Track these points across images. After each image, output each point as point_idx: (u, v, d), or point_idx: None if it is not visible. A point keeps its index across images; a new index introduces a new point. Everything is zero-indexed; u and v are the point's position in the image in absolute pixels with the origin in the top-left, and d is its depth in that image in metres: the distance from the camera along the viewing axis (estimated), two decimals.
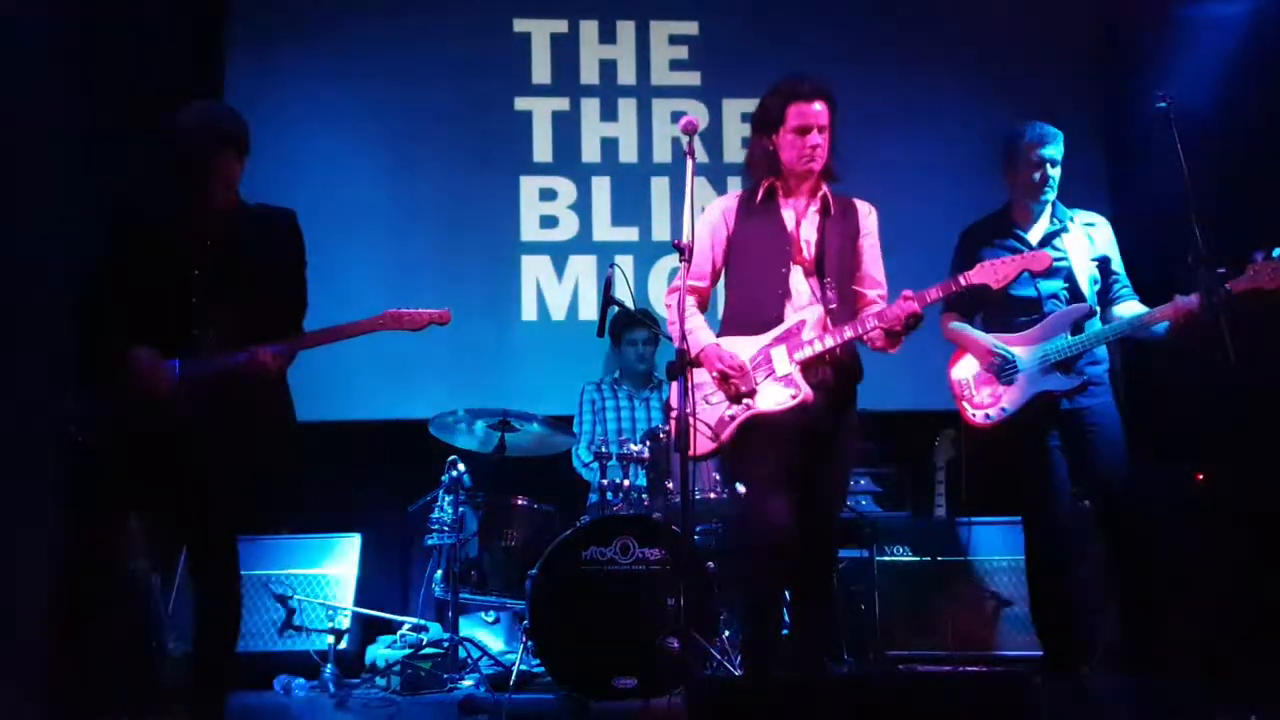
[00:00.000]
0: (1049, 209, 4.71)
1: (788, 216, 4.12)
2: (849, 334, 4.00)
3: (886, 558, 5.34)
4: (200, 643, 3.78)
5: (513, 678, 4.76)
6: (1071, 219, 4.71)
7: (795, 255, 4.06)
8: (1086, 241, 4.68)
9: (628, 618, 4.49)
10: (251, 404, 3.74)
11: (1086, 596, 4.72)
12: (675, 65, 6.67)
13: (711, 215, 4.24)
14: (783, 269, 4.01)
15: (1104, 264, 4.71)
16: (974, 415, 4.70)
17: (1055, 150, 4.66)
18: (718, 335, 4.13)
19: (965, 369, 4.76)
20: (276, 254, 3.83)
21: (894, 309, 3.95)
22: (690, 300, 4.08)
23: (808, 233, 4.10)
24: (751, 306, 4.09)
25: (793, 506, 3.93)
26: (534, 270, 6.45)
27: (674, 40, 6.66)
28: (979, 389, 4.69)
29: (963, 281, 4.04)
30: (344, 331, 3.86)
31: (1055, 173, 4.66)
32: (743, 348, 4.05)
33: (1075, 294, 4.63)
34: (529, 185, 6.52)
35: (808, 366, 4.01)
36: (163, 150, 3.73)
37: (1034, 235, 4.71)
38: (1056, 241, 4.68)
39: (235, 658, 3.87)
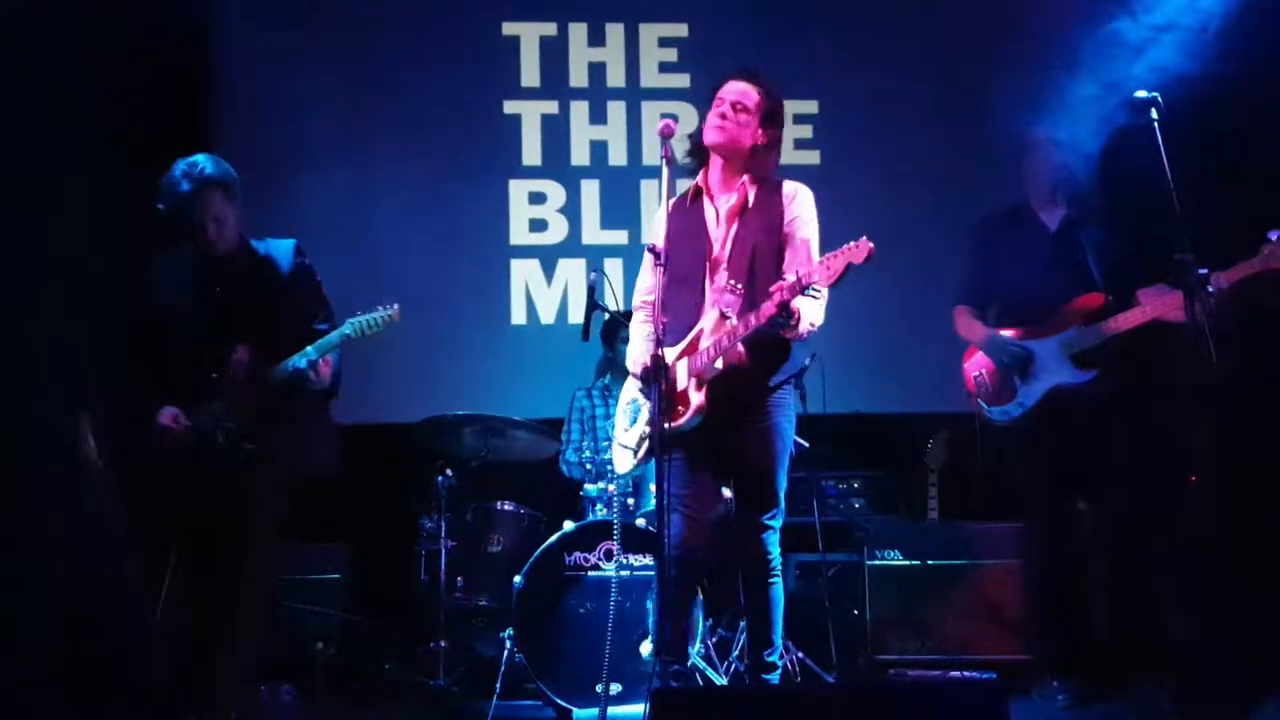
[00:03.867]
0: (1067, 199, 4.70)
1: (710, 217, 4.03)
2: (725, 343, 3.83)
3: (877, 561, 5.29)
4: (231, 648, 3.93)
5: (498, 683, 4.75)
6: (1088, 209, 4.66)
7: (709, 258, 3.97)
8: (1098, 232, 4.64)
9: (612, 624, 4.44)
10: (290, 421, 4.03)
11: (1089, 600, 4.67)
12: (665, 67, 6.63)
13: (660, 213, 4.11)
14: (700, 275, 3.91)
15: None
16: (990, 413, 4.66)
17: (1063, 143, 4.64)
18: None
19: (979, 365, 4.72)
20: (284, 287, 4.07)
21: (764, 305, 3.73)
22: (644, 316, 4.10)
23: (722, 231, 3.99)
24: (673, 314, 3.95)
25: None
26: (523, 274, 6.44)
27: (663, 43, 6.62)
28: (995, 385, 4.64)
29: (798, 282, 3.65)
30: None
31: (1066, 165, 4.67)
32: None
33: (1089, 284, 4.58)
34: (518, 189, 6.50)
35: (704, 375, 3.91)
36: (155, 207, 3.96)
37: (1053, 225, 4.68)
38: (1075, 232, 4.64)
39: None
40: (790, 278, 3.64)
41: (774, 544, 4.00)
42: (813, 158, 6.57)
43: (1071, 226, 4.67)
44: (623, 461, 4.15)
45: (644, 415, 4.04)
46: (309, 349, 4.00)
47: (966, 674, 4.95)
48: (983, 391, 4.69)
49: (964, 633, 5.11)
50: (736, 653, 4.97)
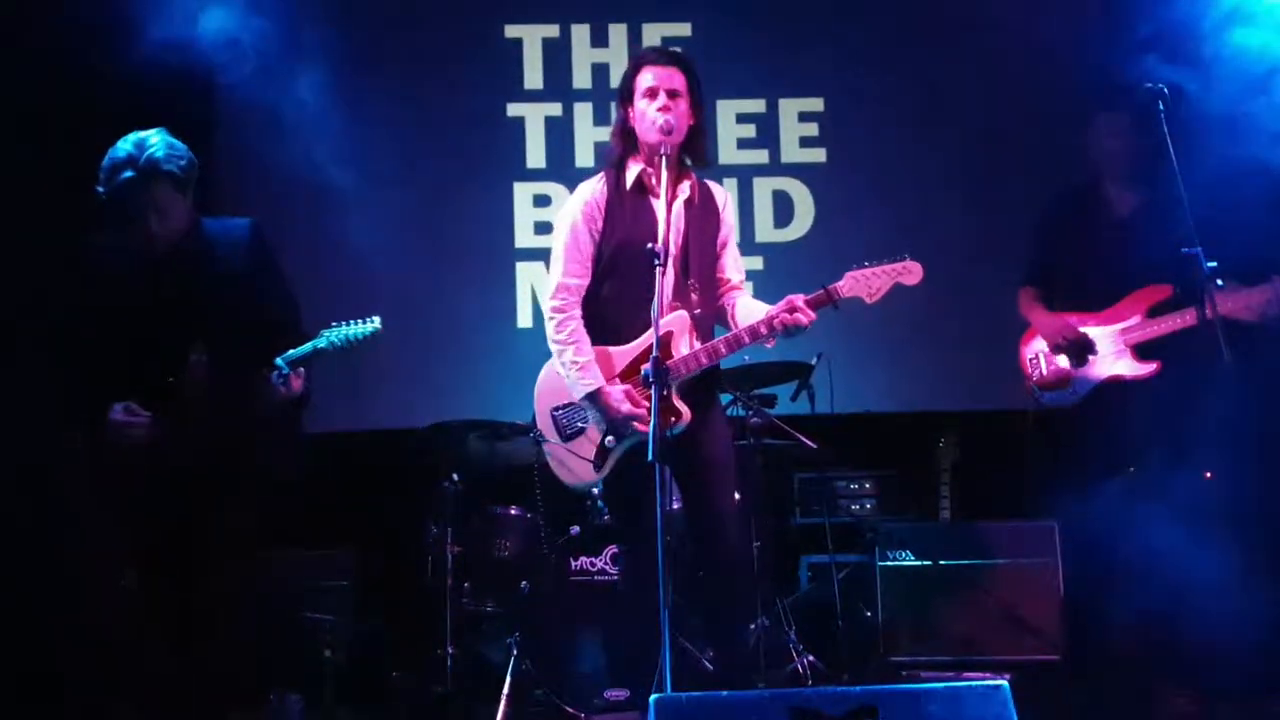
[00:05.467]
0: (1141, 180, 4.56)
1: (657, 208, 3.78)
2: (725, 351, 3.75)
3: (888, 562, 5.22)
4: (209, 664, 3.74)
5: (504, 689, 4.70)
6: (1159, 193, 4.49)
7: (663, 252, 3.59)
8: (1173, 219, 4.53)
9: (618, 628, 4.41)
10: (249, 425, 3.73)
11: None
12: None
13: (580, 203, 3.90)
14: (652, 271, 3.50)
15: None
16: (1042, 398, 4.57)
17: (1137, 118, 4.45)
18: None
19: (1036, 347, 4.63)
20: (242, 275, 3.74)
21: (781, 317, 3.67)
22: (577, 319, 3.83)
23: (675, 226, 3.80)
24: (619, 311, 3.82)
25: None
26: (529, 277, 6.37)
27: (666, 42, 6.53)
28: (1049, 370, 4.56)
29: (834, 295, 3.70)
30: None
31: (1140, 142, 4.48)
32: (612, 361, 3.81)
33: (1157, 272, 4.44)
34: (522, 191, 6.45)
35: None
36: (99, 189, 3.63)
37: (1125, 209, 4.56)
38: (1144, 217, 4.52)
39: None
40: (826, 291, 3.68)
41: (737, 538, 3.93)
42: (819, 156, 6.51)
43: (1144, 211, 4.53)
44: (576, 473, 3.87)
45: (595, 424, 3.82)
46: (278, 361, 3.69)
47: (979, 677, 4.90)
48: (1037, 376, 4.61)
49: (977, 634, 5.04)
50: None
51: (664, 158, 3.70)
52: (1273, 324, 4.00)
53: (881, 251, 3.88)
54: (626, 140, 3.90)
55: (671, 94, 3.79)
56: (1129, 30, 5.07)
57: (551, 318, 3.89)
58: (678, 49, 4.06)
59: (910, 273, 3.75)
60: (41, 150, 4.88)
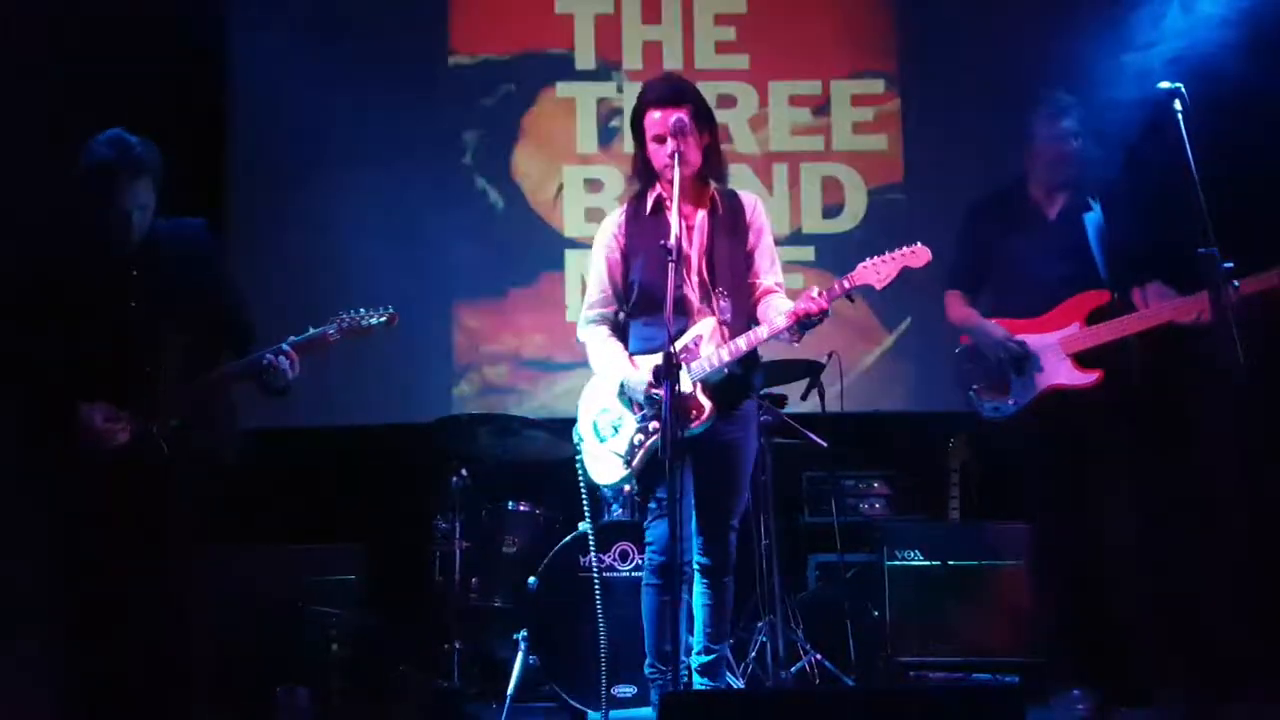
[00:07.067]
0: (1070, 183, 4.49)
1: (678, 226, 3.87)
2: (744, 346, 3.85)
3: (897, 562, 5.19)
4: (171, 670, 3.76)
5: (512, 685, 4.73)
6: (1094, 196, 4.46)
7: (686, 267, 3.90)
8: (1105, 221, 4.45)
9: (627, 625, 4.40)
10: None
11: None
12: (722, 47, 6.40)
13: (602, 235, 4.12)
14: (676, 286, 3.71)
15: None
16: (982, 408, 4.53)
17: (1074, 121, 4.44)
18: None
19: (972, 357, 4.58)
20: (205, 270, 3.84)
21: (796, 310, 3.76)
22: (604, 330, 4.08)
23: (697, 240, 3.98)
24: (649, 326, 3.96)
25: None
26: (578, 267, 6.19)
27: (720, 20, 6.41)
28: (988, 380, 4.51)
29: (846, 284, 3.79)
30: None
31: (1076, 145, 4.44)
32: (646, 366, 3.93)
33: (1092, 278, 4.40)
34: (573, 175, 6.36)
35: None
36: (76, 184, 3.70)
37: (1053, 211, 4.50)
38: (1077, 219, 4.45)
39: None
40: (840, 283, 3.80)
41: (734, 543, 4.01)
42: (876, 143, 6.34)
43: (1074, 213, 4.44)
44: (610, 471, 4.04)
45: (630, 423, 3.98)
46: (283, 345, 3.77)
47: (988, 678, 4.87)
48: (975, 384, 4.55)
49: (985, 635, 5.01)
50: (754, 653, 4.92)
51: (678, 157, 3.79)
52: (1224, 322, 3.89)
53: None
54: (647, 174, 4.02)
55: (678, 134, 3.85)
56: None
57: (581, 339, 4.14)
58: (676, 80, 4.09)
59: (917, 256, 3.81)
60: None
